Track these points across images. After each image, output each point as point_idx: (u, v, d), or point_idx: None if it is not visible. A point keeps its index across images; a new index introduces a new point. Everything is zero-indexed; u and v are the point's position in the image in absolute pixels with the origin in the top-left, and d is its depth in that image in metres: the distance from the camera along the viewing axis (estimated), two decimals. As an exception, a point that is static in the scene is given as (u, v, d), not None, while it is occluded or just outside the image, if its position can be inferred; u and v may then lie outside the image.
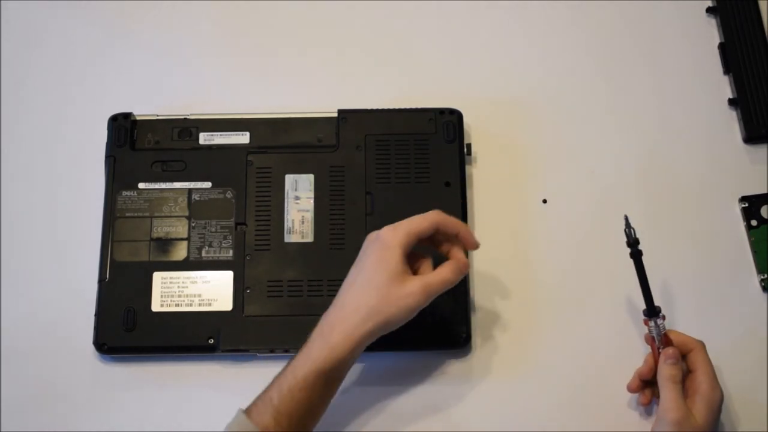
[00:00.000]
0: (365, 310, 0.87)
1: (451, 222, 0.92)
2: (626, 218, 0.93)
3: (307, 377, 0.86)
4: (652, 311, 0.93)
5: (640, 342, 0.98)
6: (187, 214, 1.02)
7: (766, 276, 1.01)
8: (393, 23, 1.14)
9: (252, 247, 1.01)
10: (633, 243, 0.93)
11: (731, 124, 1.08)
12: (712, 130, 1.08)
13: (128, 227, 1.01)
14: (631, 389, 0.95)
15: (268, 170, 1.03)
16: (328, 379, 0.87)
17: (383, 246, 0.89)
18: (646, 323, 0.94)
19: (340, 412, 0.93)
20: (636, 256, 0.93)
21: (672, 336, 0.93)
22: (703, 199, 1.05)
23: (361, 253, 0.91)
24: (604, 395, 0.96)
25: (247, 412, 0.86)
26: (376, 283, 0.88)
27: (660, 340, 0.93)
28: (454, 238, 0.93)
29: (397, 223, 0.91)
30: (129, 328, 0.98)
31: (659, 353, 0.93)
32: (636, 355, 0.97)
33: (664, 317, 0.93)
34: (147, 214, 1.02)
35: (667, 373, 0.91)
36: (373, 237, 0.91)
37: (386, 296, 0.88)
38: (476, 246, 0.93)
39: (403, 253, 0.89)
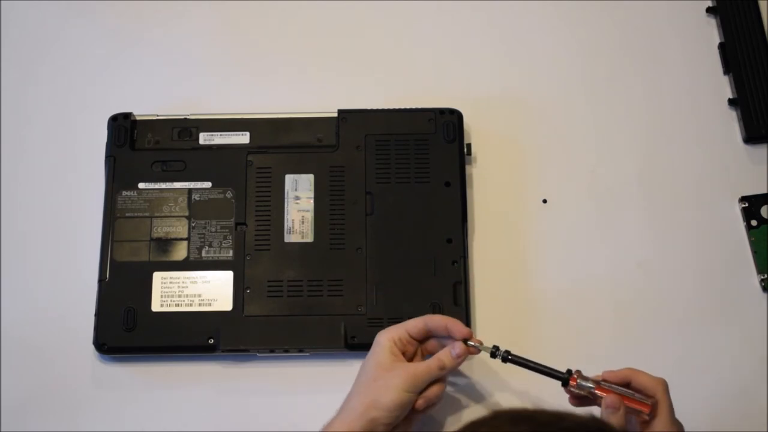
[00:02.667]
0: (361, 404, 0.87)
1: (436, 320, 0.92)
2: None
3: None
4: (564, 380, 0.88)
5: (639, 341, 0.98)
6: (187, 214, 1.02)
7: (766, 276, 1.01)
8: (393, 23, 1.14)
9: (252, 247, 1.01)
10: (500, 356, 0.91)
11: (731, 124, 1.08)
12: (712, 130, 1.08)
13: (128, 227, 1.01)
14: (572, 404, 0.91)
15: (268, 170, 1.03)
16: None
17: (375, 343, 0.91)
18: (568, 391, 0.89)
19: (340, 412, 0.92)
20: (506, 359, 0.91)
21: (630, 376, 0.87)
22: (703, 199, 1.05)
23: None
24: (604, 395, 0.96)
25: None
26: (368, 375, 0.89)
27: (593, 390, 0.87)
28: (444, 333, 0.93)
29: (395, 326, 0.92)
30: (129, 328, 0.98)
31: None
32: (635, 354, 0.97)
33: (578, 373, 0.88)
34: (147, 214, 1.02)
35: (615, 422, 0.85)
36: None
37: (374, 381, 0.88)
38: (467, 334, 0.92)
39: (390, 345, 0.90)
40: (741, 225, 1.04)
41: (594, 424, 0.64)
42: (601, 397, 0.86)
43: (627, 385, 0.87)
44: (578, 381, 0.87)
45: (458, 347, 0.90)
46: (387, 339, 0.90)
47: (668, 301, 1.00)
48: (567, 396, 0.89)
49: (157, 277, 1.00)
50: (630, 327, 1.00)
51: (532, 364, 0.90)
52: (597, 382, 0.87)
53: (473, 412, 0.97)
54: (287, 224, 1.01)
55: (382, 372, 0.89)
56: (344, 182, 1.03)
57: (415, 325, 0.91)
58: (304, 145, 1.04)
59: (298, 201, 1.02)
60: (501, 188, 1.06)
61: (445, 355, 0.90)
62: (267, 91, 1.10)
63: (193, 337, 0.98)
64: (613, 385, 0.86)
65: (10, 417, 0.98)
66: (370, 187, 1.03)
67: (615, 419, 0.85)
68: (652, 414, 0.85)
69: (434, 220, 1.01)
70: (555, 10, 1.13)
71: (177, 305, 0.99)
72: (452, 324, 0.92)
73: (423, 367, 0.90)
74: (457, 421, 0.96)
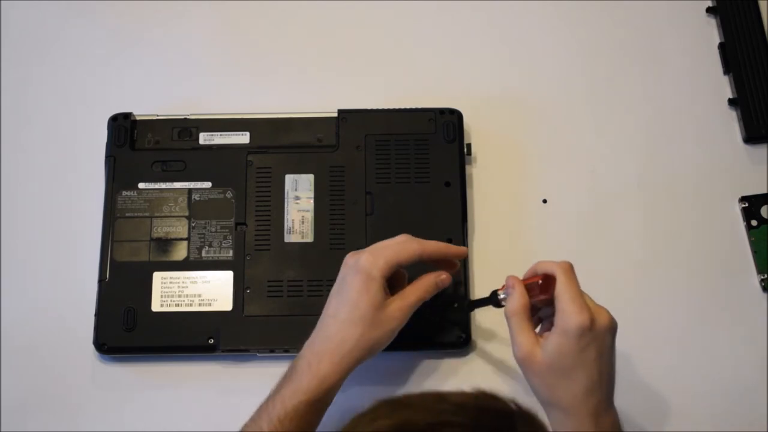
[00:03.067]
0: (352, 342, 0.87)
1: (430, 247, 0.91)
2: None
3: (297, 408, 0.86)
4: (494, 301, 0.88)
5: (639, 341, 0.98)
6: (187, 214, 1.02)
7: (766, 276, 1.01)
8: (393, 23, 1.14)
9: (252, 247, 1.01)
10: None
11: (731, 124, 1.08)
12: (712, 130, 1.08)
13: (128, 227, 1.01)
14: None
15: (268, 170, 1.03)
16: (318, 409, 0.87)
17: (366, 277, 0.88)
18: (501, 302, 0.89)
19: (339, 412, 0.92)
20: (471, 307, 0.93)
21: (535, 268, 0.86)
22: (703, 199, 1.05)
23: (340, 279, 0.89)
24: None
25: None
26: (361, 314, 0.87)
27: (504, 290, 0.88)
28: (441, 258, 0.93)
29: (376, 250, 0.89)
30: (129, 328, 0.98)
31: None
32: (635, 353, 0.97)
33: (498, 292, 0.88)
34: (147, 214, 1.02)
35: (508, 306, 0.85)
36: (351, 263, 0.89)
37: (370, 325, 0.87)
38: (463, 253, 0.93)
39: (384, 282, 0.89)
40: (741, 225, 1.04)
41: (474, 403, 0.63)
42: (544, 297, 0.85)
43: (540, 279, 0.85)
44: (500, 293, 0.88)
45: (446, 278, 0.91)
46: (380, 274, 0.88)
47: (668, 301, 1.00)
48: None
49: (157, 277, 1.00)
50: (629, 327, 0.99)
51: (477, 302, 0.91)
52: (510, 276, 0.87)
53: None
54: (287, 224, 1.01)
55: (376, 313, 0.87)
56: (344, 182, 1.03)
57: (409, 256, 0.89)
58: (304, 145, 1.04)
59: (298, 201, 1.02)
60: (501, 188, 1.06)
61: (432, 284, 0.90)
62: (267, 91, 1.10)
63: (193, 337, 0.98)
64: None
65: (10, 417, 0.98)
66: (370, 187, 1.03)
67: (513, 300, 0.84)
68: (548, 290, 0.83)
69: (434, 220, 1.01)
70: (555, 10, 1.13)
71: (177, 305, 0.99)
72: (446, 249, 0.92)
73: (413, 299, 0.89)
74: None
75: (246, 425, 0.87)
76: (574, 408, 0.81)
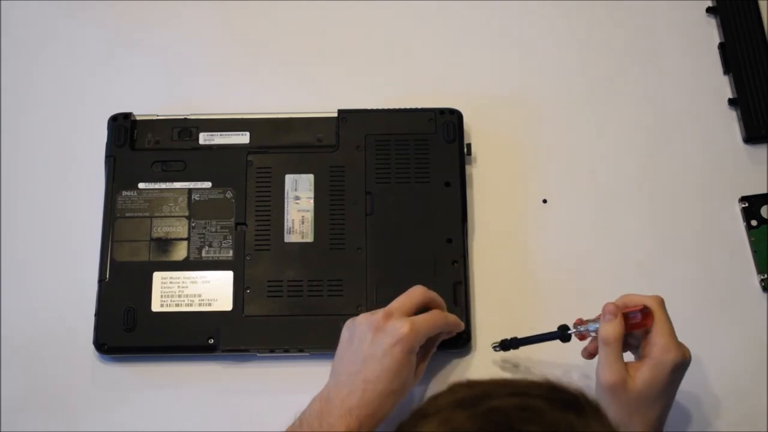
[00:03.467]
0: (387, 410, 0.89)
1: (451, 319, 0.95)
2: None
3: None
4: (565, 335, 0.91)
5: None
6: (187, 214, 1.02)
7: (766, 276, 1.01)
8: (393, 23, 1.14)
9: (252, 247, 1.01)
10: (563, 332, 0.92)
11: (731, 124, 1.08)
12: (712, 130, 1.08)
13: (128, 227, 1.01)
14: (584, 355, 0.92)
15: (268, 170, 1.03)
16: None
17: (410, 351, 0.89)
18: (582, 336, 0.91)
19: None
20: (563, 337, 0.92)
21: (628, 299, 0.89)
22: (703, 199, 1.05)
23: (376, 342, 0.89)
24: (604, 395, 0.96)
25: None
26: (400, 385, 0.89)
27: (592, 324, 0.90)
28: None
29: (415, 324, 0.90)
30: (129, 328, 0.98)
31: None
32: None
33: (580, 322, 0.90)
34: (147, 214, 1.02)
35: (602, 332, 0.87)
36: (391, 329, 0.89)
37: (404, 393, 0.90)
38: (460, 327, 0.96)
39: (413, 365, 0.91)
40: (741, 225, 1.04)
41: (546, 384, 0.65)
42: (637, 328, 0.88)
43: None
44: (578, 329, 0.90)
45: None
46: (418, 348, 0.90)
47: (668, 301, 1.00)
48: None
49: (157, 277, 1.00)
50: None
51: (530, 339, 0.92)
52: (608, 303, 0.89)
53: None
54: (287, 224, 1.01)
55: (411, 383, 0.91)
56: (344, 182, 1.03)
57: (430, 329, 0.92)
58: (304, 145, 1.04)
59: (298, 201, 1.02)
60: (501, 188, 1.06)
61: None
62: (267, 91, 1.10)
63: (193, 337, 0.98)
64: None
65: (10, 417, 0.98)
66: (370, 187, 1.03)
67: (612, 328, 0.86)
68: (647, 321, 0.86)
69: (434, 220, 1.01)
70: (555, 10, 1.13)
71: (177, 305, 0.99)
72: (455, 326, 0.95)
73: (429, 357, 0.94)
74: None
75: None
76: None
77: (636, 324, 0.87)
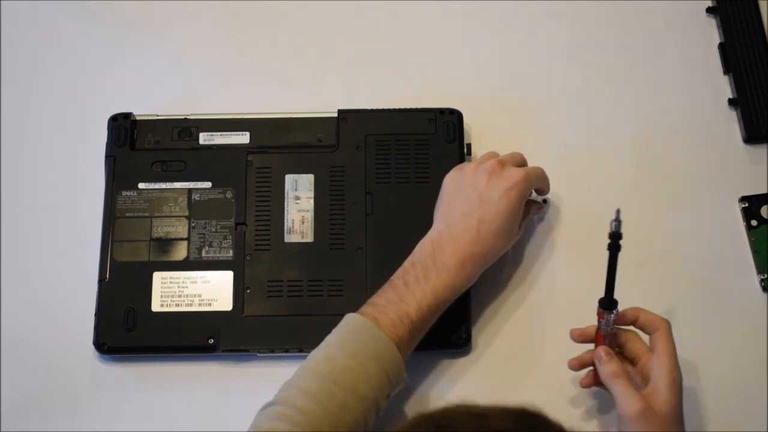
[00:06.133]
0: (497, 252, 0.94)
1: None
2: (618, 211, 0.89)
3: (447, 301, 0.91)
4: (610, 304, 0.90)
5: (640, 342, 0.98)
6: (187, 214, 1.02)
7: (766, 276, 1.01)
8: (393, 23, 1.14)
9: (252, 247, 1.01)
10: (615, 236, 0.89)
11: (731, 124, 1.08)
12: (712, 130, 1.08)
13: (128, 227, 1.01)
14: (570, 365, 0.93)
15: (268, 170, 1.03)
16: (454, 298, 0.93)
17: (523, 196, 0.94)
18: (600, 315, 0.90)
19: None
20: (614, 249, 0.89)
21: (638, 313, 0.91)
22: (703, 199, 1.05)
23: (493, 184, 0.93)
24: (604, 395, 0.96)
25: (375, 321, 0.87)
26: (510, 228, 0.94)
27: (608, 334, 0.90)
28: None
29: (528, 172, 0.96)
30: (129, 328, 0.98)
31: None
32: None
33: (617, 313, 0.90)
34: (147, 214, 1.02)
35: (606, 371, 0.88)
36: (508, 176, 0.94)
37: (511, 239, 0.96)
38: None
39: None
40: (741, 225, 1.04)
41: (517, 427, 0.62)
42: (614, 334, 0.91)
43: (634, 323, 0.91)
44: (605, 317, 0.90)
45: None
46: (522, 203, 0.95)
47: (668, 302, 1.00)
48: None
49: (157, 277, 1.00)
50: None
51: (613, 273, 0.90)
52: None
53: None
54: (287, 224, 1.01)
55: (519, 231, 0.96)
56: (344, 182, 1.03)
57: (539, 179, 0.98)
58: (304, 145, 1.04)
59: (298, 201, 1.02)
60: (501, 188, 1.05)
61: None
62: (267, 91, 1.10)
63: (193, 337, 0.98)
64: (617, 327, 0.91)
65: (10, 417, 0.98)
66: (370, 187, 1.03)
67: (612, 366, 0.88)
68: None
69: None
70: (555, 10, 1.13)
71: (177, 305, 0.99)
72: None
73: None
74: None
75: (383, 306, 0.89)
76: None
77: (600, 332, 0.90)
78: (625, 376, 0.88)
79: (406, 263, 0.92)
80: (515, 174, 0.94)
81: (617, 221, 0.88)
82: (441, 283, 0.91)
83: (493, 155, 0.98)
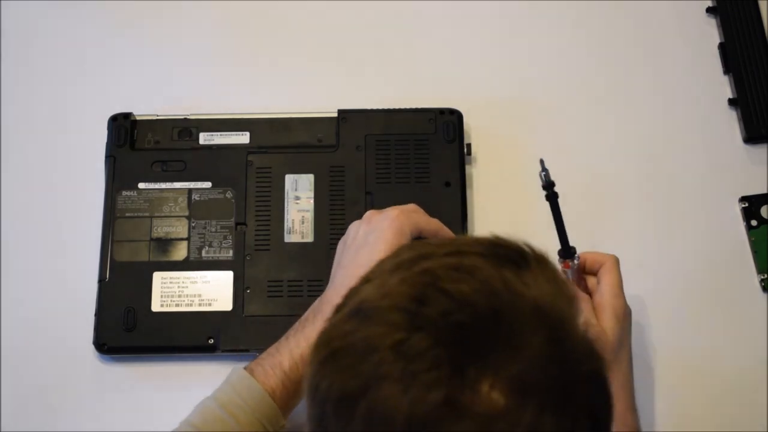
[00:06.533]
0: None
1: (434, 225, 0.95)
2: (541, 161, 0.90)
3: None
4: (568, 252, 0.90)
5: (639, 341, 0.98)
6: (187, 214, 1.02)
7: (766, 276, 1.01)
8: (393, 23, 1.13)
9: (252, 247, 1.01)
10: (548, 185, 0.89)
11: (731, 124, 1.08)
12: (712, 130, 1.08)
13: (128, 227, 1.01)
14: None
15: (268, 170, 1.03)
16: None
17: (399, 232, 0.90)
18: (565, 266, 0.90)
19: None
20: (553, 198, 0.90)
21: (584, 257, 0.91)
22: (703, 199, 1.05)
23: (366, 232, 0.91)
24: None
25: (251, 372, 0.87)
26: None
27: (578, 279, 0.91)
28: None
29: (406, 211, 0.92)
30: (129, 328, 0.98)
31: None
32: (634, 353, 0.97)
33: (578, 257, 0.91)
34: (147, 214, 1.02)
35: None
36: (381, 217, 0.91)
37: None
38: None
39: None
40: (741, 225, 1.04)
41: (489, 239, 0.65)
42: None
43: (584, 268, 0.91)
44: (570, 266, 0.90)
45: None
46: (410, 234, 0.91)
47: (668, 301, 1.00)
48: None
49: (157, 277, 1.00)
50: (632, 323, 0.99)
51: (560, 221, 0.90)
52: None
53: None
54: (287, 224, 1.01)
55: None
56: (344, 182, 1.03)
57: (428, 228, 0.93)
58: (304, 145, 1.04)
59: (298, 201, 1.02)
60: (501, 188, 1.06)
61: None
62: (267, 91, 1.10)
63: (193, 337, 0.98)
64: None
65: (10, 417, 0.98)
66: (370, 187, 1.03)
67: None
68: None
69: (434, 220, 1.01)
70: (555, 10, 1.13)
71: (177, 305, 0.99)
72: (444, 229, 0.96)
73: None
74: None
75: (261, 359, 0.88)
76: (624, 392, 0.87)
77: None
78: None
79: (291, 329, 0.91)
80: (388, 212, 0.91)
81: (544, 171, 0.89)
82: (315, 330, 0.87)
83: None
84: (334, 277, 0.92)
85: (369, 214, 0.93)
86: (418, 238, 0.94)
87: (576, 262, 0.90)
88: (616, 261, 0.90)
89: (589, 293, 0.91)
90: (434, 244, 0.65)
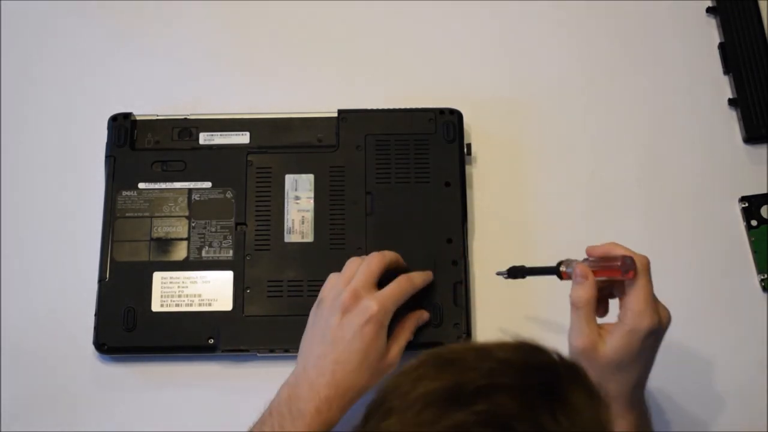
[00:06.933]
0: (358, 390, 0.89)
1: (419, 281, 0.96)
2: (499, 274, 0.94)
3: None
4: (557, 272, 0.88)
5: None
6: (187, 214, 1.02)
7: (766, 276, 1.01)
8: (393, 23, 1.14)
9: (252, 247, 1.01)
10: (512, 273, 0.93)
11: (731, 124, 1.08)
12: (712, 130, 1.08)
13: (128, 227, 1.01)
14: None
15: (268, 170, 1.03)
16: None
17: (378, 327, 0.89)
18: (563, 274, 0.88)
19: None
20: (517, 274, 0.93)
21: (616, 250, 0.85)
22: (703, 199, 1.05)
23: (344, 322, 0.89)
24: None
25: None
26: (369, 364, 0.89)
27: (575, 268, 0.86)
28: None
29: (384, 298, 0.91)
30: (129, 328, 0.98)
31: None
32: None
33: (565, 262, 0.88)
34: (147, 214, 1.02)
35: (573, 294, 0.84)
36: (360, 309, 0.89)
37: (376, 374, 0.90)
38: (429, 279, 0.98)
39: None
40: (741, 225, 1.04)
41: (518, 358, 0.63)
42: (609, 282, 0.85)
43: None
44: (566, 269, 0.87)
45: (426, 317, 0.97)
46: (388, 323, 0.90)
47: (668, 301, 1.00)
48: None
49: (157, 277, 1.00)
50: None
51: (534, 270, 0.91)
52: (580, 261, 0.86)
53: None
54: (287, 224, 1.01)
55: (382, 362, 0.90)
56: (344, 182, 1.03)
57: (399, 300, 0.92)
58: (304, 145, 1.04)
59: (298, 201, 1.02)
60: (501, 188, 1.06)
61: (414, 325, 0.95)
62: (267, 91, 1.10)
63: (193, 337, 0.98)
64: (593, 260, 0.86)
65: (10, 417, 0.98)
66: (370, 187, 1.03)
67: (582, 291, 0.83)
68: (628, 273, 0.83)
69: (434, 220, 1.01)
70: (555, 10, 1.13)
71: (177, 305, 0.99)
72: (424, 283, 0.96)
73: (404, 342, 0.93)
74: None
75: None
76: (621, 397, 0.83)
77: (613, 272, 0.84)
78: (587, 307, 0.83)
79: (265, 411, 0.89)
80: (368, 307, 0.89)
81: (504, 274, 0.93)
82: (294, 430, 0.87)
83: (348, 276, 0.92)
84: (305, 357, 0.90)
85: (347, 298, 0.90)
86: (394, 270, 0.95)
87: (571, 268, 0.86)
88: (646, 266, 0.84)
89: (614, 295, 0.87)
90: (461, 368, 0.63)
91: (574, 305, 0.84)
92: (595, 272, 0.84)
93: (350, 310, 0.90)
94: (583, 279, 0.84)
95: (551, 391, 0.61)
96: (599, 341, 0.82)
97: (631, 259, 0.83)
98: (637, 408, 0.85)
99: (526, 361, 0.63)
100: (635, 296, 0.83)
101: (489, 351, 0.63)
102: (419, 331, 0.96)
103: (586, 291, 0.84)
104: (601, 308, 0.87)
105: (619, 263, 0.83)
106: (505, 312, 1.00)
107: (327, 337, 0.89)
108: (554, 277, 1.00)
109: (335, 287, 0.92)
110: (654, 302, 0.83)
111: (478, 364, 0.62)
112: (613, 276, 0.84)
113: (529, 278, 1.02)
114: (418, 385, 0.62)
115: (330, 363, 0.88)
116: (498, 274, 0.95)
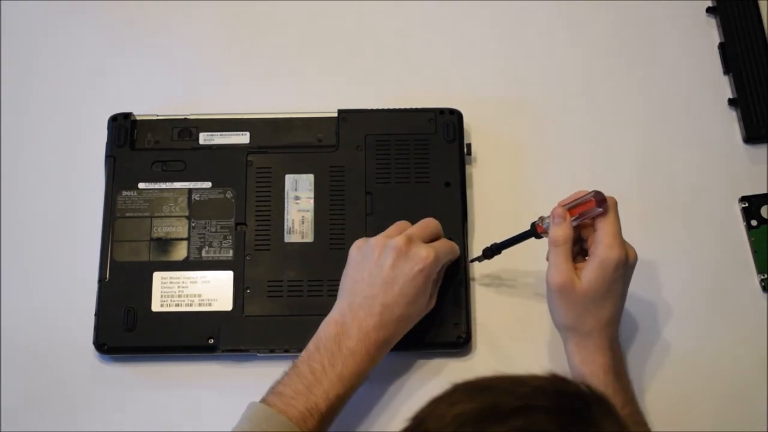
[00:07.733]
0: (401, 335, 0.93)
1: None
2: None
3: (354, 385, 0.90)
4: (535, 233, 0.92)
5: (639, 340, 0.98)
6: (187, 214, 1.02)
7: (766, 276, 1.01)
8: (393, 23, 1.14)
9: (252, 247, 1.01)
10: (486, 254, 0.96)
11: (731, 124, 1.08)
12: (712, 130, 1.08)
13: (128, 227, 1.01)
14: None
15: (268, 170, 1.03)
16: (361, 383, 0.92)
17: (428, 278, 0.92)
18: (539, 228, 0.92)
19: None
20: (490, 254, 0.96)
21: (580, 192, 0.90)
22: (703, 199, 1.05)
23: (399, 265, 0.91)
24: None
25: (290, 417, 0.86)
26: (418, 312, 0.93)
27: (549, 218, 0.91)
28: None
29: (436, 250, 0.93)
30: (129, 328, 0.98)
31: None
32: (634, 352, 0.97)
33: (539, 218, 0.92)
34: (147, 214, 1.02)
35: (552, 234, 0.89)
36: (416, 254, 0.91)
37: (412, 323, 0.94)
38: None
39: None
40: (741, 225, 1.04)
41: (551, 386, 0.65)
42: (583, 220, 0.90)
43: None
44: (542, 223, 0.91)
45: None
46: (429, 283, 0.92)
47: (668, 301, 1.00)
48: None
49: (157, 277, 1.00)
50: (629, 326, 0.99)
51: (508, 242, 0.95)
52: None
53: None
54: (287, 224, 1.01)
55: (416, 312, 0.93)
56: (344, 182, 1.03)
57: (448, 257, 0.95)
58: (304, 145, 1.04)
59: (298, 201, 1.02)
60: (501, 188, 1.06)
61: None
62: (267, 91, 1.10)
63: (193, 337, 0.98)
64: (567, 202, 0.90)
65: (10, 417, 0.98)
66: (370, 187, 1.03)
67: (561, 230, 0.88)
68: (602, 208, 0.88)
69: (434, 220, 1.01)
70: (555, 10, 1.13)
71: (177, 305, 0.99)
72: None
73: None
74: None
75: (291, 400, 0.87)
76: (596, 332, 0.88)
77: (588, 204, 0.88)
78: (565, 245, 0.88)
79: (311, 345, 0.90)
80: (424, 255, 0.91)
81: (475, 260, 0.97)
82: (348, 370, 0.89)
83: (402, 227, 0.95)
84: (351, 294, 0.92)
85: (399, 242, 0.91)
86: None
87: (546, 224, 0.90)
88: (614, 206, 0.89)
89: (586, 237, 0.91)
90: (495, 392, 0.65)
91: (553, 243, 0.88)
92: (570, 211, 0.89)
93: (403, 255, 0.91)
94: (561, 219, 0.89)
95: (584, 416, 0.63)
96: (575, 277, 0.87)
97: (601, 192, 0.88)
98: (612, 349, 0.89)
99: (559, 389, 0.65)
100: (605, 231, 0.87)
101: (522, 379, 0.66)
102: (419, 331, 0.95)
103: (564, 230, 0.88)
104: (580, 256, 0.92)
105: (592, 194, 0.88)
106: (505, 312, 1.00)
107: (377, 279, 0.91)
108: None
109: (381, 235, 0.94)
110: (622, 238, 0.88)
111: (513, 389, 0.64)
112: (588, 208, 0.88)
113: (529, 278, 1.02)
114: (454, 408, 0.64)
115: (378, 305, 0.90)
116: (472, 261, 0.98)
